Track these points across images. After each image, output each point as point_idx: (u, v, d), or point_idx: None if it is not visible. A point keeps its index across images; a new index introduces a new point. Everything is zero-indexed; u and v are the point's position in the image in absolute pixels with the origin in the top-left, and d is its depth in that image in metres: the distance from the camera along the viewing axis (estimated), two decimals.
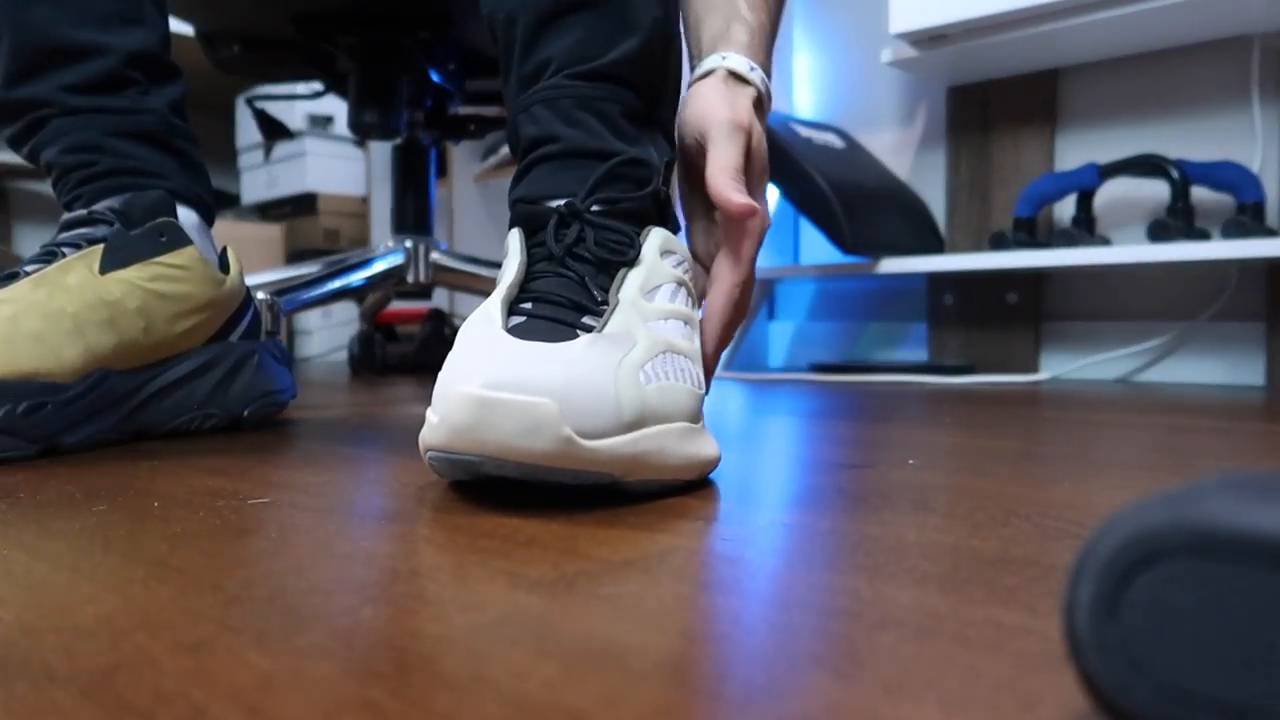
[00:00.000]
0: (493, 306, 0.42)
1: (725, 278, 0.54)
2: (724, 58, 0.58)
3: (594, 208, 0.47)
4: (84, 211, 0.60)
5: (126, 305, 0.58)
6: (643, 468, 0.39)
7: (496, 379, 0.36)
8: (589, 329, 0.42)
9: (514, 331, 0.41)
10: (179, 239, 0.61)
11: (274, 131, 1.32)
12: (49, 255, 0.58)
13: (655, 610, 0.25)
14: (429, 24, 1.16)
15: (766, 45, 0.61)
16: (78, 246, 0.58)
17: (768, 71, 0.60)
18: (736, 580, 0.28)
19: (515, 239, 0.47)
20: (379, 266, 1.22)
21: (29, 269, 0.57)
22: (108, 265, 0.58)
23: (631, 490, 0.40)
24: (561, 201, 0.47)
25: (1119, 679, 0.16)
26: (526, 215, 0.48)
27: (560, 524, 0.35)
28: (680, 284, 0.47)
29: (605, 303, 0.44)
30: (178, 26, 1.11)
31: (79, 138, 0.62)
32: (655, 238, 0.47)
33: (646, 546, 0.32)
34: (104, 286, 0.57)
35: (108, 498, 0.41)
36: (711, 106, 0.55)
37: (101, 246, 0.58)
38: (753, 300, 1.60)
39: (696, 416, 0.45)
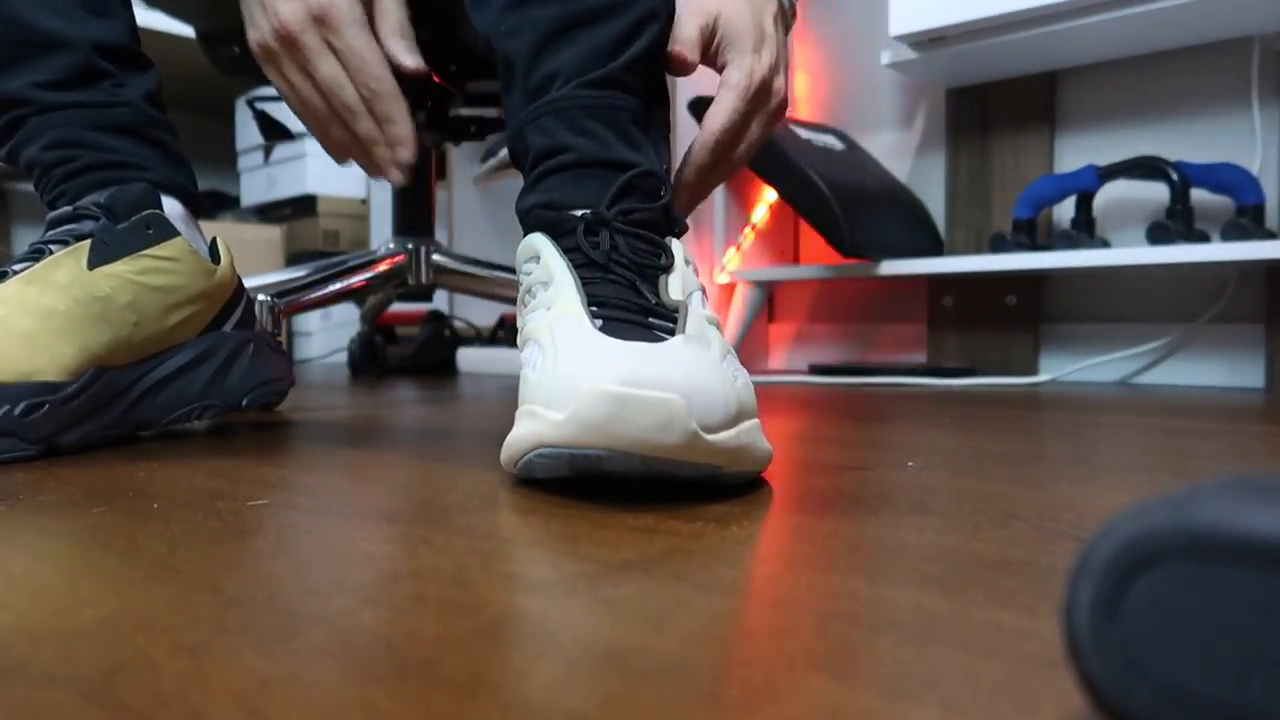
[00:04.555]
0: (576, 310, 0.43)
1: (707, 126, 0.59)
2: None
3: (616, 217, 0.48)
4: (69, 208, 0.60)
5: (117, 300, 0.57)
6: (741, 459, 0.41)
7: (629, 376, 0.37)
8: (662, 330, 0.44)
9: (605, 333, 0.42)
10: (166, 230, 0.61)
11: (274, 133, 1.32)
12: (36, 254, 0.58)
13: (655, 612, 0.25)
14: (431, 25, 1.15)
15: None
16: (65, 243, 0.58)
17: None
18: (736, 582, 0.28)
19: (546, 243, 0.48)
20: (380, 268, 1.22)
21: (17, 267, 0.57)
22: (96, 260, 0.57)
23: (728, 482, 0.43)
24: (585, 210, 0.48)
25: (1118, 680, 0.16)
26: (549, 221, 0.49)
27: (559, 526, 0.35)
28: (702, 289, 0.49)
29: (661, 305, 0.46)
30: (180, 28, 1.11)
31: (58, 134, 0.62)
32: (678, 247, 0.49)
33: (646, 548, 0.32)
34: (93, 282, 0.57)
35: (107, 499, 0.41)
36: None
37: (89, 242, 0.57)
38: (754, 301, 1.61)
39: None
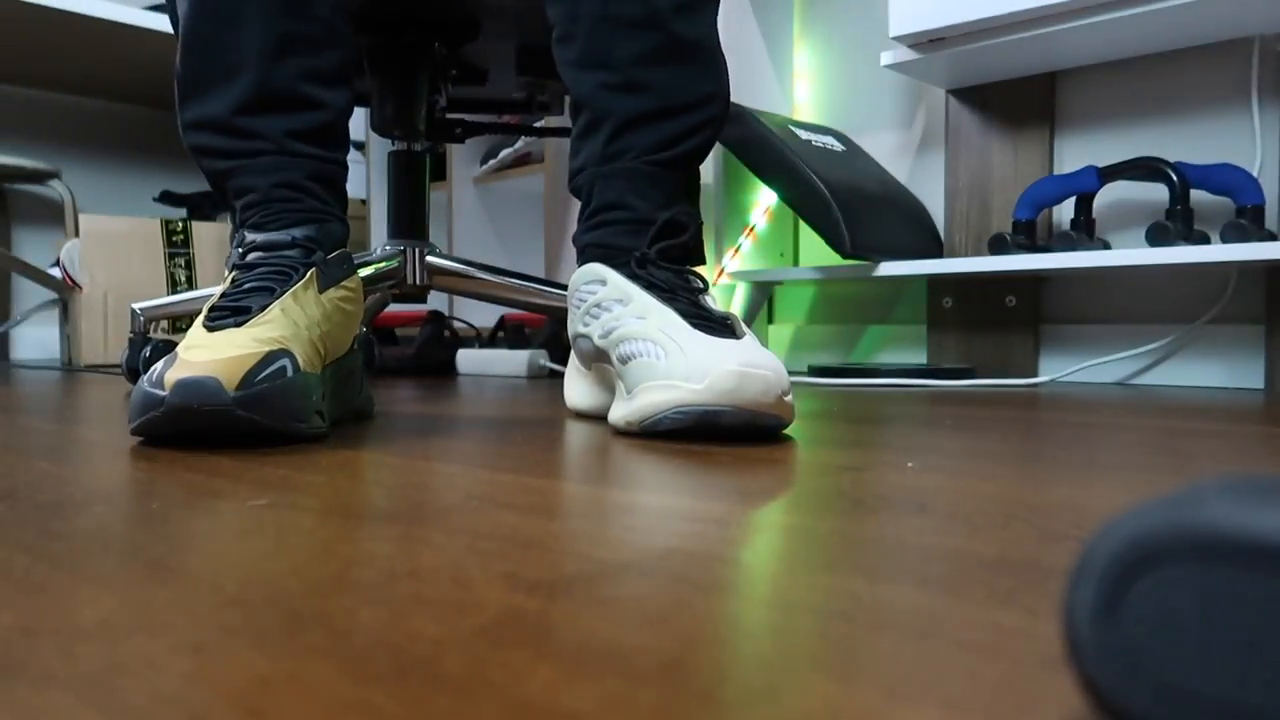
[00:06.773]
0: (679, 320, 0.65)
1: None
2: None
3: (656, 255, 0.71)
4: (287, 236, 0.71)
5: (332, 317, 0.70)
6: (790, 416, 0.63)
7: (745, 361, 0.59)
8: (726, 333, 0.65)
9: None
10: (353, 266, 0.75)
11: None
12: (281, 272, 0.69)
13: (654, 612, 0.25)
14: (457, 34, 1.16)
15: None
16: (294, 268, 0.69)
17: None
18: (735, 582, 0.28)
19: (611, 271, 0.70)
20: (375, 270, 1.22)
21: (272, 286, 0.67)
22: (322, 286, 0.70)
23: (784, 426, 0.64)
24: (636, 251, 0.71)
25: (1118, 681, 0.16)
26: (604, 256, 0.72)
27: (559, 525, 0.35)
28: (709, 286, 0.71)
29: (713, 313, 0.67)
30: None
31: (288, 176, 0.73)
32: (703, 271, 0.70)
33: (645, 548, 0.32)
34: (320, 302, 0.70)
35: (107, 499, 0.41)
36: None
37: (315, 271, 0.70)
38: (754, 303, 1.61)
39: None
